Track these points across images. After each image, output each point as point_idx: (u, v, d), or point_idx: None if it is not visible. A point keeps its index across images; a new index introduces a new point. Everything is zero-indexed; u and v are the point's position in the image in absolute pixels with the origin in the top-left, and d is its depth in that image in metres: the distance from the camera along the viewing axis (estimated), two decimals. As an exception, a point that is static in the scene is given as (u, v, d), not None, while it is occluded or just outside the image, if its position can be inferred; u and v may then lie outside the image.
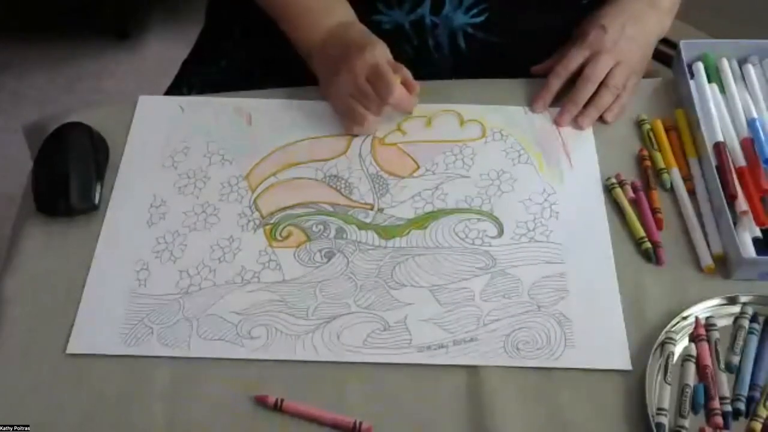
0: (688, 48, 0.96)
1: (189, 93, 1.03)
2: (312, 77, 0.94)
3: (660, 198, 0.86)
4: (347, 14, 0.93)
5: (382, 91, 0.86)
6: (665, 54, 1.16)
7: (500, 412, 0.71)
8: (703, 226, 0.84)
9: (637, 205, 0.85)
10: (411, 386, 0.73)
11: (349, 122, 0.90)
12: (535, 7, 0.96)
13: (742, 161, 0.87)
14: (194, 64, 1.08)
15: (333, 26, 0.91)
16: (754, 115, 0.91)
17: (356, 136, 0.91)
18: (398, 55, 0.96)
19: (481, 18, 0.95)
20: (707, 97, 0.93)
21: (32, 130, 0.94)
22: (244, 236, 0.83)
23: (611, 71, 0.92)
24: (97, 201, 0.84)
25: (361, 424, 0.70)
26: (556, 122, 0.93)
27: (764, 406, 0.72)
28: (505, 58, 0.97)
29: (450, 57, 0.98)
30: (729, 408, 0.72)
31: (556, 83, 0.93)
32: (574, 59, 0.93)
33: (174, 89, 1.06)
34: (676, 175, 0.88)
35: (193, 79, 1.05)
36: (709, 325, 0.76)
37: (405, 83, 0.88)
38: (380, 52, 0.87)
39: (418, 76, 0.89)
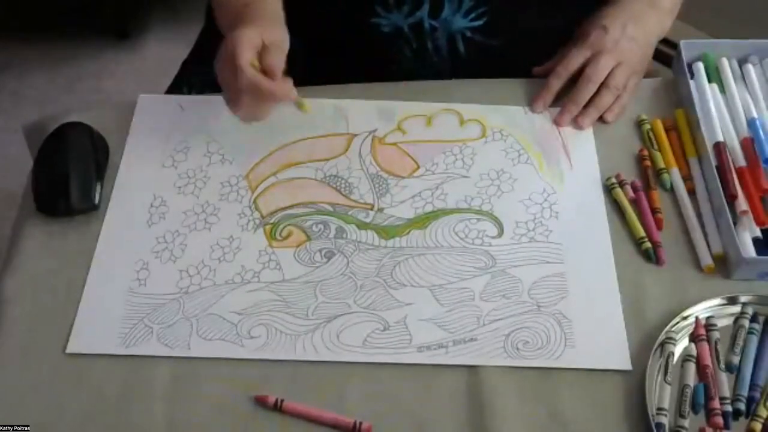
0: (688, 48, 0.96)
1: (189, 93, 1.03)
2: (311, 77, 0.94)
3: (660, 198, 0.86)
4: None
5: (232, 76, 0.81)
6: (665, 54, 1.16)
7: (500, 412, 0.71)
8: (703, 226, 0.84)
9: (637, 205, 0.85)
10: (411, 386, 0.73)
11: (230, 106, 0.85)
12: (534, 10, 0.96)
13: (742, 161, 0.87)
14: (194, 64, 1.08)
15: (243, 2, 0.87)
16: (754, 115, 0.91)
17: (356, 135, 0.91)
18: (397, 59, 0.96)
19: (480, 21, 0.95)
20: (707, 97, 0.93)
21: (32, 130, 0.94)
22: (244, 236, 0.83)
23: (612, 71, 0.92)
24: (97, 201, 0.84)
25: (361, 424, 0.70)
26: (556, 122, 0.93)
27: (764, 406, 0.72)
28: (504, 61, 0.96)
29: (449, 60, 0.98)
30: (729, 408, 0.72)
31: (556, 83, 0.93)
32: (575, 59, 0.93)
33: (174, 89, 1.06)
34: (676, 175, 0.88)
35: (193, 79, 1.05)
36: (709, 325, 0.76)
37: (266, 71, 0.81)
38: (247, 34, 0.81)
39: (417, 79, 0.89)
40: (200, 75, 1.05)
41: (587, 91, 0.92)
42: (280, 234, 0.83)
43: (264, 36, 0.82)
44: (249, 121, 0.86)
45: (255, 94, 0.81)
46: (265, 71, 0.81)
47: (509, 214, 0.85)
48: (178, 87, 1.05)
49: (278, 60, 0.82)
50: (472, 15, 0.94)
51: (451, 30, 0.95)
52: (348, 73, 0.96)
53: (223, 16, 0.90)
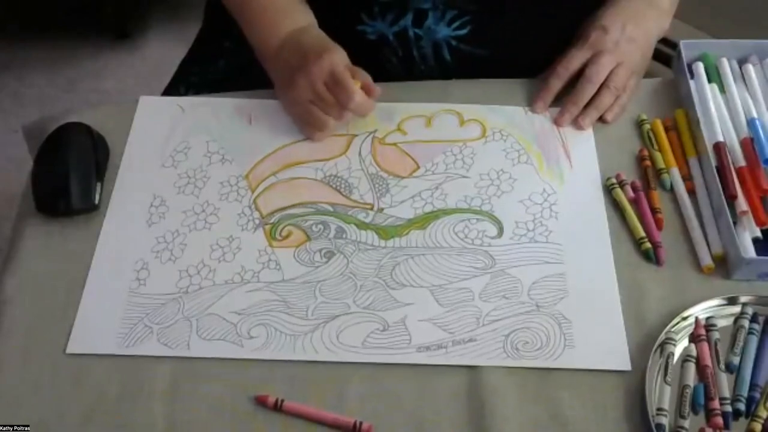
0: (688, 48, 0.96)
1: (187, 92, 1.03)
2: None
3: (660, 198, 0.86)
4: (306, 18, 0.92)
5: (341, 96, 0.86)
6: (665, 54, 1.16)
7: (500, 413, 0.71)
8: (703, 226, 0.84)
9: (637, 205, 0.85)
10: (411, 386, 0.73)
11: (309, 128, 0.90)
12: (518, 20, 0.96)
13: (742, 161, 0.87)
14: (192, 63, 1.08)
15: (291, 30, 0.91)
16: (754, 115, 0.91)
17: (356, 135, 0.91)
18: (384, 66, 0.96)
19: (464, 31, 0.95)
20: (707, 97, 0.93)
21: (32, 130, 0.94)
22: (243, 236, 0.83)
23: (612, 72, 0.92)
24: (97, 201, 0.84)
25: (361, 424, 0.70)
26: (557, 122, 0.93)
27: (764, 406, 0.72)
28: (491, 70, 0.96)
29: (436, 68, 0.98)
30: (729, 408, 0.71)
31: (557, 84, 0.93)
32: (576, 60, 0.93)
33: (172, 88, 1.06)
34: (676, 175, 0.88)
35: (191, 78, 1.05)
36: (709, 326, 0.76)
37: (365, 87, 0.88)
38: (338, 58, 0.87)
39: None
40: (198, 75, 1.05)
41: (588, 91, 0.92)
42: (279, 234, 0.83)
43: (345, 55, 0.88)
44: (325, 138, 0.90)
45: (358, 113, 0.89)
46: (365, 88, 0.88)
47: (509, 215, 0.85)
48: (176, 86, 1.05)
49: (368, 78, 0.89)
50: (456, 24, 0.94)
51: (436, 39, 0.95)
52: None
53: (270, 36, 0.92)
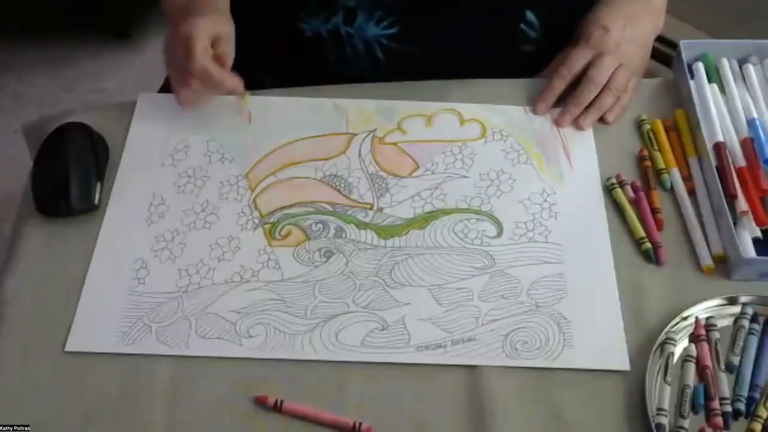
0: (688, 48, 0.96)
1: None
2: (310, 77, 0.94)
3: (660, 198, 0.86)
4: None
5: (185, 58, 0.84)
6: (665, 54, 1.16)
7: (499, 412, 0.71)
8: (703, 226, 0.84)
9: (637, 205, 0.85)
10: (410, 386, 0.73)
11: (172, 84, 0.88)
12: (446, 20, 0.96)
13: (742, 161, 0.87)
14: None
15: None
16: (754, 115, 0.91)
17: (356, 134, 0.91)
18: (322, 62, 0.97)
19: (393, 30, 0.95)
20: (707, 97, 0.93)
21: (32, 130, 0.94)
22: (243, 235, 0.83)
23: (613, 73, 0.92)
24: (97, 201, 0.84)
25: (361, 424, 0.70)
26: (557, 123, 0.92)
27: (764, 406, 0.72)
28: (424, 69, 0.96)
29: (370, 67, 0.98)
30: (729, 408, 0.71)
31: (559, 85, 0.93)
32: (578, 61, 0.93)
33: (167, 89, 1.06)
34: (676, 175, 0.88)
35: None
36: (709, 326, 0.76)
37: (217, 59, 0.86)
38: (202, 23, 0.84)
39: (341, 83, 0.91)
40: None
41: (590, 92, 0.92)
42: (279, 233, 0.83)
43: (217, 27, 0.86)
44: (186, 105, 0.89)
45: (204, 81, 0.85)
46: (217, 59, 0.85)
47: (509, 215, 0.85)
48: (169, 87, 1.05)
49: (230, 50, 0.87)
50: (384, 23, 0.95)
51: (367, 37, 0.95)
52: (275, 76, 0.98)
53: (171, 1, 0.91)
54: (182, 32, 0.84)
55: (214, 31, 0.86)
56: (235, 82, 0.87)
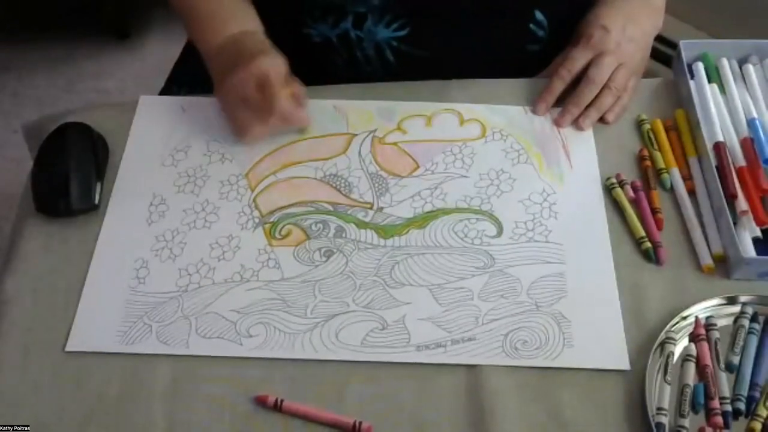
0: (688, 48, 0.96)
1: (180, 91, 1.03)
2: (319, 81, 0.94)
3: (660, 198, 0.86)
4: (252, 24, 0.92)
5: (265, 101, 0.86)
6: (665, 54, 1.16)
7: (500, 412, 0.71)
8: (703, 226, 0.84)
9: (637, 205, 0.85)
10: (410, 385, 0.73)
11: (235, 130, 0.90)
12: (455, 22, 0.96)
13: (742, 161, 0.87)
14: (186, 62, 1.08)
15: (235, 32, 0.91)
16: (754, 115, 0.91)
17: (356, 134, 0.91)
18: (332, 68, 0.96)
19: (403, 32, 0.95)
20: (707, 97, 0.93)
21: (32, 130, 0.94)
22: (243, 235, 0.83)
23: (613, 73, 0.92)
24: (97, 201, 0.84)
25: (361, 423, 0.70)
26: (557, 123, 0.92)
27: (764, 405, 0.72)
28: (435, 70, 0.96)
29: (381, 70, 0.98)
30: (729, 408, 0.72)
31: (559, 86, 0.93)
32: (578, 61, 0.93)
33: (167, 88, 1.06)
34: (676, 175, 0.88)
35: (183, 78, 1.06)
36: (709, 325, 0.76)
37: (294, 97, 0.88)
38: (271, 62, 0.86)
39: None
40: (192, 74, 1.05)
41: (590, 93, 0.92)
42: (279, 233, 0.83)
43: (283, 65, 0.87)
44: (253, 142, 0.89)
45: (285, 120, 0.88)
46: (294, 98, 0.87)
47: (509, 214, 0.85)
48: (170, 86, 1.06)
49: (300, 89, 0.89)
50: (395, 25, 0.94)
51: (377, 40, 0.95)
52: None
53: (213, 36, 0.91)
54: (255, 74, 0.85)
55: (284, 69, 0.87)
56: (306, 118, 0.90)
